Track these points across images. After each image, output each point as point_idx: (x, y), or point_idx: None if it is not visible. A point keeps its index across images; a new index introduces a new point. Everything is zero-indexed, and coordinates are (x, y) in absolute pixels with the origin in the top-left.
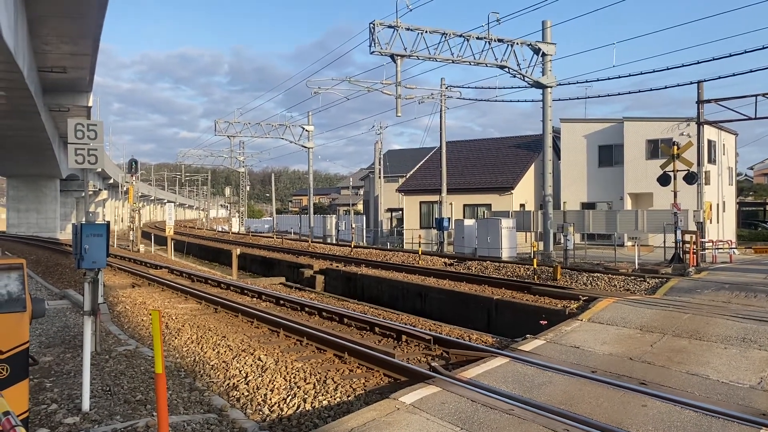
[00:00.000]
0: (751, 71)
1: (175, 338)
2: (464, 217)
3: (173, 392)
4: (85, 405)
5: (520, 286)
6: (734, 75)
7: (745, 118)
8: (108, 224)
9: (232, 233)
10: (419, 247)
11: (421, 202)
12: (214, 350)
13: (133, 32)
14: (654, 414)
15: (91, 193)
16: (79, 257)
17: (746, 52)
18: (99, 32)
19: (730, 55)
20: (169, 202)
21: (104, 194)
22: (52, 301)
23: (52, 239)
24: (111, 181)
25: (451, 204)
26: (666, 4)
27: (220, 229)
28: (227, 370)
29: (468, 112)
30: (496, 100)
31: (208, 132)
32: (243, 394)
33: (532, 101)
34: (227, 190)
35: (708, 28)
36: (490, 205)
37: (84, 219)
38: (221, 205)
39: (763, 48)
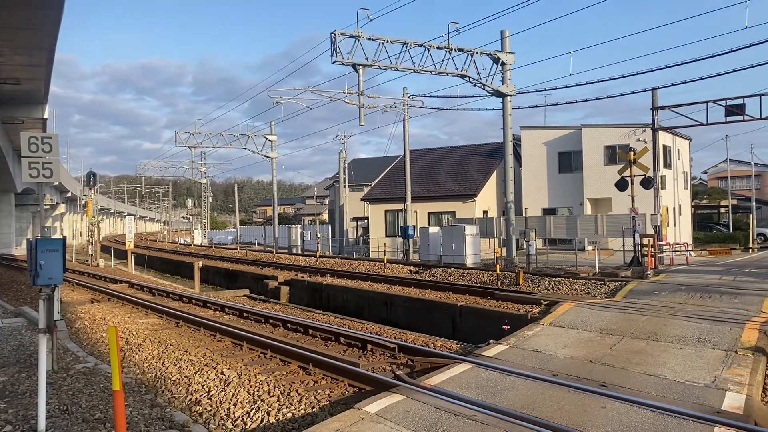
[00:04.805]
0: (702, 78)
1: (136, 354)
2: (429, 225)
3: (134, 409)
4: (41, 425)
5: (483, 292)
6: (686, 82)
7: (698, 123)
8: (64, 239)
9: (195, 245)
10: (385, 255)
11: (386, 211)
12: (175, 365)
13: (95, 42)
14: (613, 415)
15: (48, 207)
16: (34, 273)
17: (696, 60)
18: (54, 43)
19: (682, 63)
20: (129, 215)
21: (62, 208)
22: (6, 319)
23: (6, 255)
24: (69, 194)
25: (416, 212)
26: (620, 15)
27: (182, 242)
28: (189, 385)
29: (433, 120)
30: (458, 109)
31: (171, 143)
32: (206, 408)
33: (494, 110)
34: (189, 202)
35: (661, 37)
36: (454, 212)
37: (39, 234)
38: (183, 217)
39: (713, 56)
